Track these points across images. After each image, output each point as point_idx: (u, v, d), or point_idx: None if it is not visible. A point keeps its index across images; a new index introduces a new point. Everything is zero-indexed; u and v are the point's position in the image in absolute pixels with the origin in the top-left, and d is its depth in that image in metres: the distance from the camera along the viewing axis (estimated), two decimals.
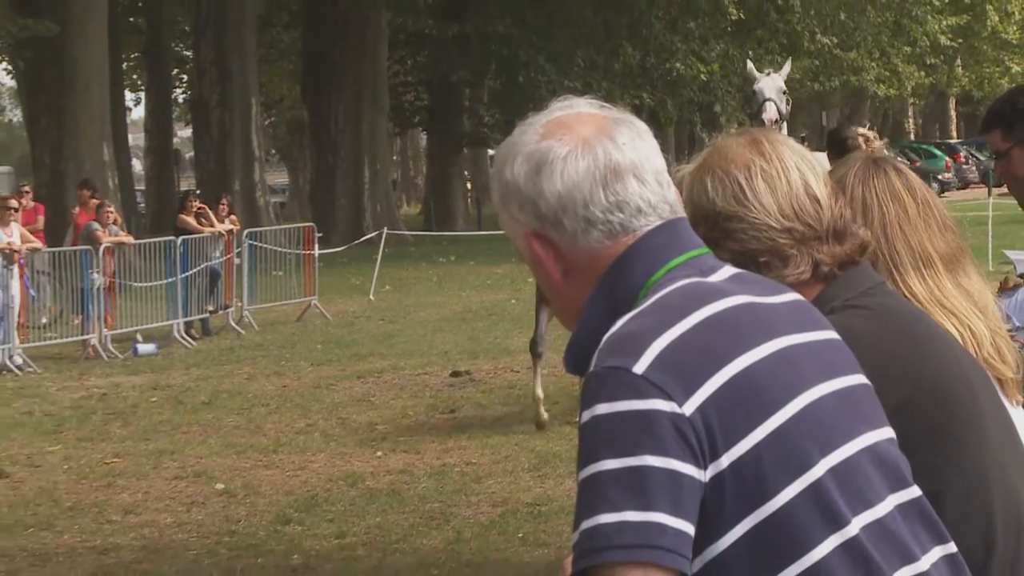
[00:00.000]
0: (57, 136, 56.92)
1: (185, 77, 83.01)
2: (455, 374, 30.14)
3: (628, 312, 3.98)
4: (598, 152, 4.09)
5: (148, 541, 18.57)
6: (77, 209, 42.42)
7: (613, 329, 3.94)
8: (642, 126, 4.25)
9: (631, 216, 4.08)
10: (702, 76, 73.00)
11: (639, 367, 3.77)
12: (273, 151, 79.66)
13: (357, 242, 57.94)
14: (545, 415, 24.51)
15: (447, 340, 31.29)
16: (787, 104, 22.67)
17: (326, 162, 74.61)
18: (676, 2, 67.58)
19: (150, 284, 38.92)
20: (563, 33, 69.10)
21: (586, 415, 3.82)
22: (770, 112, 21.60)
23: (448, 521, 18.52)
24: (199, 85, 75.27)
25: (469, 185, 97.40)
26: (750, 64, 23.20)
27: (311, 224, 54.42)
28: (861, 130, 17.93)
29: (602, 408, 3.78)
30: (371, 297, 47.92)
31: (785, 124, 23.15)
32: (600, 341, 3.94)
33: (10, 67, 69.94)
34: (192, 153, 77.30)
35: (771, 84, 22.42)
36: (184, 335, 41.36)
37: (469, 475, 21.22)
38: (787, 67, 23.42)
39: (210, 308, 42.73)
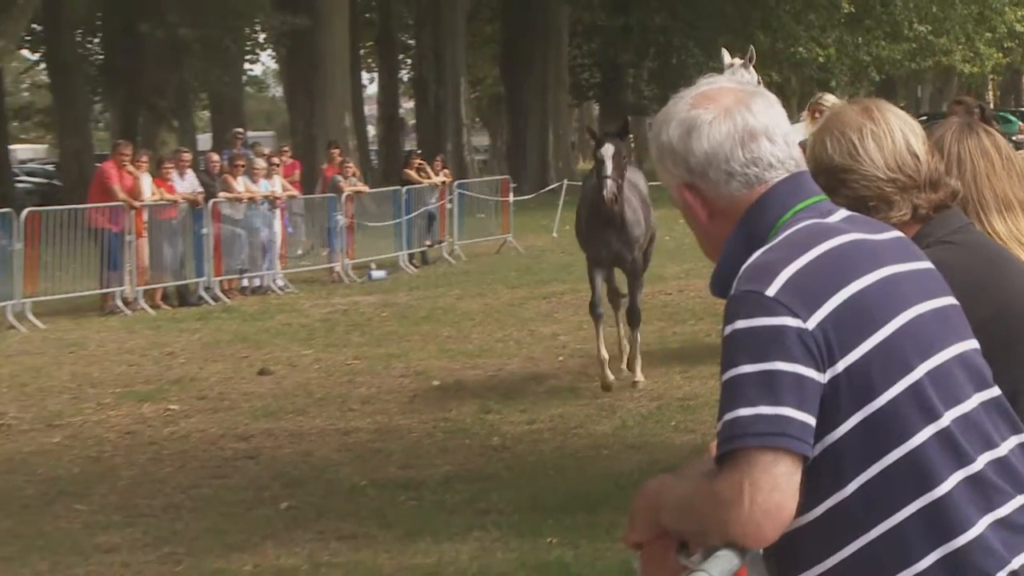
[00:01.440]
0: (309, 107, 57.02)
1: (409, 61, 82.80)
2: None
3: (761, 247, 4.18)
4: (737, 118, 4.28)
5: (380, 425, 18.75)
6: (325, 165, 42.45)
7: (750, 260, 4.14)
8: (772, 97, 4.46)
9: (764, 169, 4.28)
10: (820, 58, 72.55)
11: (771, 291, 3.98)
12: (477, 119, 79.25)
13: (543, 191, 58.12)
14: (611, 376, 20.83)
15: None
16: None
17: (519, 128, 74.73)
18: None
19: (381, 224, 38.83)
20: (708, 24, 68.78)
21: (728, 329, 4.04)
22: None
23: (615, 412, 18.61)
24: (420, 67, 75.33)
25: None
26: (724, 51, 20.79)
27: (507, 177, 54.41)
28: (968, 99, 17.96)
29: (741, 324, 3.99)
30: (554, 235, 47.47)
31: None
32: (739, 270, 4.14)
33: (274, 53, 69.68)
34: (414, 121, 76.95)
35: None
36: (408, 264, 41.63)
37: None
38: (751, 54, 20.58)
39: (428, 243, 42.88)
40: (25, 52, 60.56)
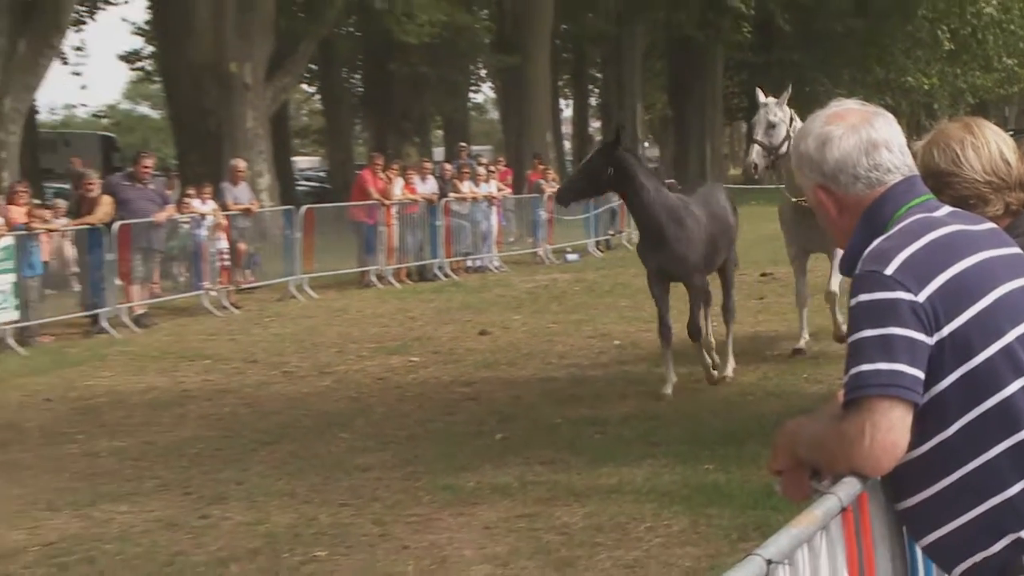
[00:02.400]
0: (519, 127, 56.87)
1: (597, 90, 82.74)
2: (764, 275, 29.94)
3: (881, 236, 4.31)
4: (861, 133, 4.43)
5: (573, 375, 18.77)
6: (530, 172, 42.52)
7: (871, 246, 4.28)
8: (890, 116, 4.58)
9: (883, 174, 4.42)
10: (925, 86, 72.10)
11: (888, 270, 4.13)
12: (650, 135, 79.06)
13: None
14: (667, 391, 17.06)
15: (758, 253, 30.76)
16: (790, 125, 18.29)
17: (683, 142, 74.44)
18: (908, 38, 66.48)
19: (574, 217, 38.63)
20: (834, 59, 68.48)
21: (853, 302, 4.18)
22: (749, 157, 18.60)
23: (759, 366, 18.50)
24: (605, 95, 75.39)
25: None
26: (759, 91, 19.54)
27: (673, 181, 54.36)
28: None
29: (864, 297, 4.14)
30: None
31: (787, 144, 17.80)
32: (863, 254, 4.29)
33: (492, 85, 69.75)
34: (600, 138, 77.03)
35: (763, 119, 18.48)
36: (595, 249, 41.73)
37: (772, 336, 21.46)
38: (786, 94, 19.23)
39: (611, 232, 42.88)
40: (304, 86, 60.85)
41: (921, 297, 4.13)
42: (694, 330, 17.59)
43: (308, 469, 14.20)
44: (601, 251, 42.58)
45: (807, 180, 4.61)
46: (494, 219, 37.71)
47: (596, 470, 13.32)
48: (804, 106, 54.02)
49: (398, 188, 33.38)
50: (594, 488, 12.56)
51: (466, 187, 36.76)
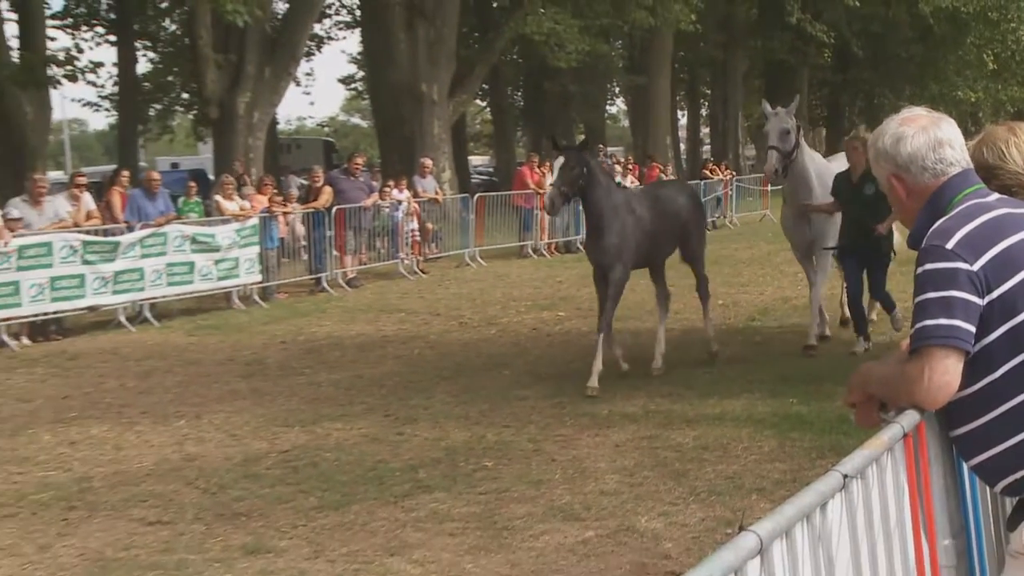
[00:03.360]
0: (644, 133, 56.55)
1: (706, 103, 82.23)
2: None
3: (942, 217, 4.29)
4: (930, 133, 4.43)
5: (684, 326, 18.67)
6: (655, 167, 42.09)
7: (935, 226, 4.26)
8: (951, 120, 4.55)
9: (946, 166, 4.40)
10: (972, 99, 70.96)
11: (949, 245, 4.13)
12: (748, 138, 78.43)
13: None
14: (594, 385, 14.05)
15: None
16: (797, 132, 16.17)
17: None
18: (958, 60, 65.45)
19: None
20: (898, 78, 67.46)
21: (920, 270, 4.18)
22: (771, 163, 15.92)
23: (847, 327, 18.11)
24: (713, 107, 74.65)
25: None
26: (765, 103, 17.10)
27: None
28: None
29: (929, 266, 4.15)
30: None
31: (800, 150, 16.25)
32: (927, 231, 4.28)
33: (624, 99, 69.18)
34: (709, 141, 76.23)
35: (776, 127, 15.92)
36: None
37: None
38: (795, 103, 16.94)
39: (716, 215, 41.94)
40: (478, 101, 60.80)
41: (976, 267, 4.13)
42: (603, 325, 14.85)
43: (478, 398, 14.25)
44: (708, 231, 40.85)
45: (882, 170, 4.57)
46: None
47: (704, 401, 13.26)
48: (872, 115, 53.04)
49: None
50: (702, 416, 12.50)
51: None
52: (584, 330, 18.49)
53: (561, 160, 14.63)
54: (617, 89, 68.58)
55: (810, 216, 16.47)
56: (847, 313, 17.05)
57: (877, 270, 15.66)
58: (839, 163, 16.99)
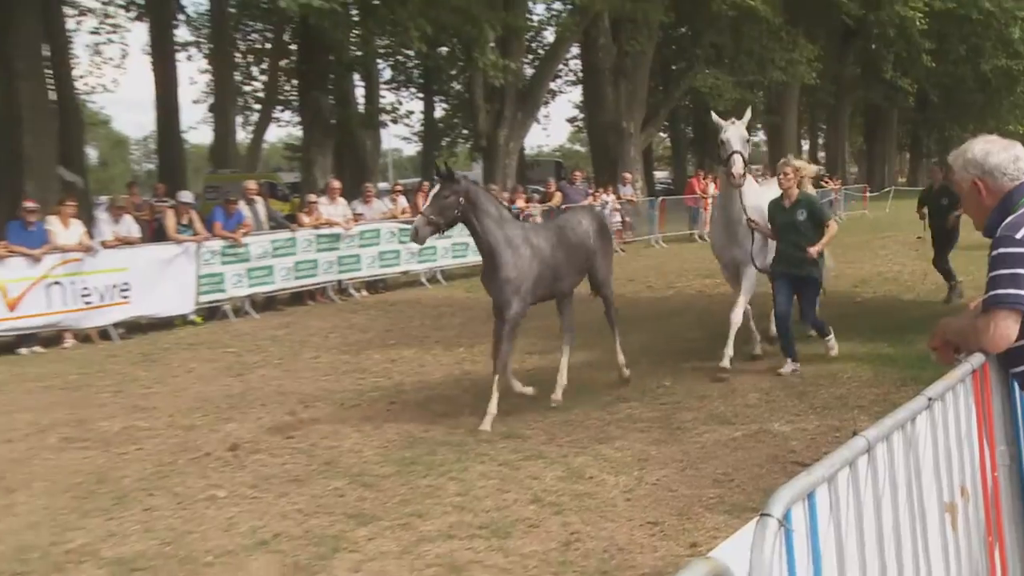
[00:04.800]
0: (778, 156, 55.26)
1: (822, 135, 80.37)
2: (918, 237, 28.46)
3: (1012, 215, 4.05)
4: (1010, 151, 4.21)
5: None
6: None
7: (1006, 220, 4.04)
8: (1019, 143, 4.31)
9: (1019, 174, 4.18)
10: (1020, 131, 67.59)
11: (1018, 236, 3.93)
12: (851, 160, 76.29)
13: (881, 191, 55.03)
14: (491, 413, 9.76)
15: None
16: (747, 148, 11.77)
17: (872, 162, 70.72)
18: (1011, 104, 62.75)
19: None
20: (964, 117, 64.84)
21: (994, 252, 3.98)
22: (737, 166, 11.17)
23: (915, 289, 17.38)
24: (826, 137, 72.42)
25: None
26: (714, 114, 12.43)
27: (866, 184, 52.65)
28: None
29: (1002, 250, 3.94)
30: (886, 210, 43.85)
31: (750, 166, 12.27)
32: (1000, 224, 4.05)
33: (764, 133, 67.29)
34: (824, 161, 74.33)
35: (736, 134, 11.43)
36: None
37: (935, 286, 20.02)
38: (748, 114, 12.14)
39: (836, 215, 40.70)
40: (661, 133, 59.95)
41: None
42: (499, 365, 9.98)
43: (659, 338, 14.06)
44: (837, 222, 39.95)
45: (968, 175, 4.32)
46: None
47: (820, 345, 12.73)
48: (944, 144, 51.24)
49: (711, 187, 32.93)
50: (818, 355, 12.06)
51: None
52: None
53: (435, 189, 9.70)
54: (759, 125, 67.03)
55: (739, 236, 11.82)
56: (774, 331, 12.40)
57: (808, 295, 11.51)
58: (771, 190, 12.39)
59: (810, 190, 11.73)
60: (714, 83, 41.50)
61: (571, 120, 74.14)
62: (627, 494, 7.49)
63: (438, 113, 49.25)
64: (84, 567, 6.52)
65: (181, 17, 39.92)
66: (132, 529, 7.17)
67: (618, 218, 29.71)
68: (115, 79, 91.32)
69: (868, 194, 47.95)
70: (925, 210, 16.73)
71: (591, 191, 29.94)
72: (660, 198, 34.40)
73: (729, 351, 11.57)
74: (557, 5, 38.26)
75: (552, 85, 53.27)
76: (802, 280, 11.35)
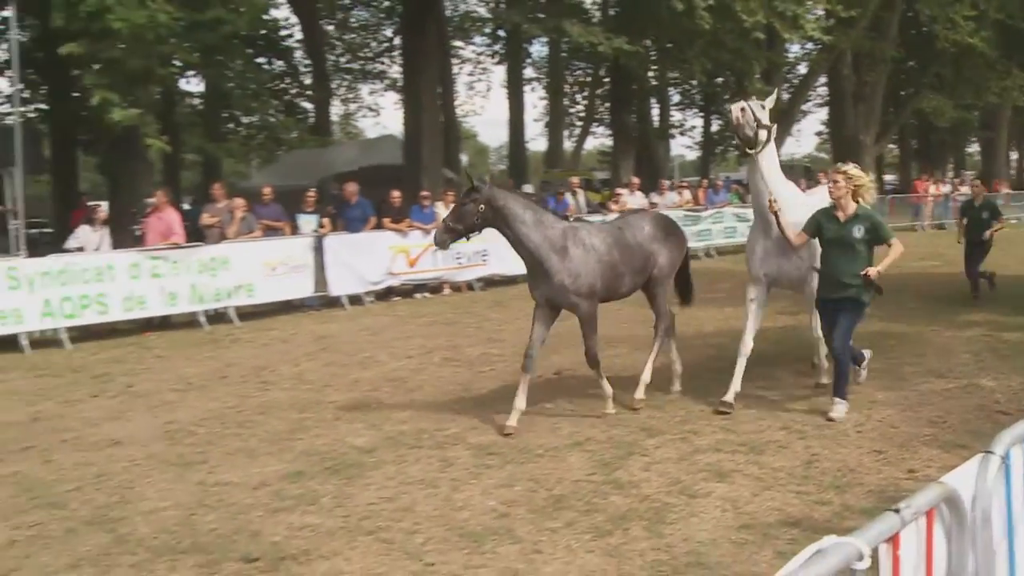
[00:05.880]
0: (991, 164, 50.04)
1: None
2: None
3: None
4: None
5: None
6: (997, 183, 37.06)
7: None
8: None
9: None
10: None
11: None
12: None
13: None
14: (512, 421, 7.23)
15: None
16: (765, 130, 7.36)
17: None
18: None
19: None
20: None
21: None
22: (734, 107, 7.29)
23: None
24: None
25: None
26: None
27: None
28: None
29: None
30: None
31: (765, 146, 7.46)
32: None
33: (978, 145, 60.59)
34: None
35: (753, 100, 7.47)
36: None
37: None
38: (773, 96, 7.68)
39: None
40: (890, 145, 55.26)
41: None
42: (591, 359, 7.45)
43: (885, 307, 12.81)
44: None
45: None
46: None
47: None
48: None
49: (932, 188, 30.25)
50: (1020, 324, 10.94)
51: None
52: (956, 271, 15.04)
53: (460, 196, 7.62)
54: (974, 139, 61.14)
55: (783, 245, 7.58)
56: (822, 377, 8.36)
57: (848, 317, 7.22)
58: (816, 198, 8.14)
59: (870, 202, 7.37)
60: (936, 105, 38.62)
61: (817, 133, 70.69)
62: (858, 428, 7.11)
63: (714, 128, 48.18)
64: (456, 448, 6.88)
65: (528, 60, 40.78)
66: (487, 427, 7.47)
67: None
68: (482, 105, 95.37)
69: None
70: (964, 221, 14.00)
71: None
72: (889, 196, 32.24)
73: (736, 386, 7.73)
74: (809, 45, 36.21)
75: (803, 107, 50.78)
76: (846, 301, 7.15)
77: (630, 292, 7.90)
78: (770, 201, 7.31)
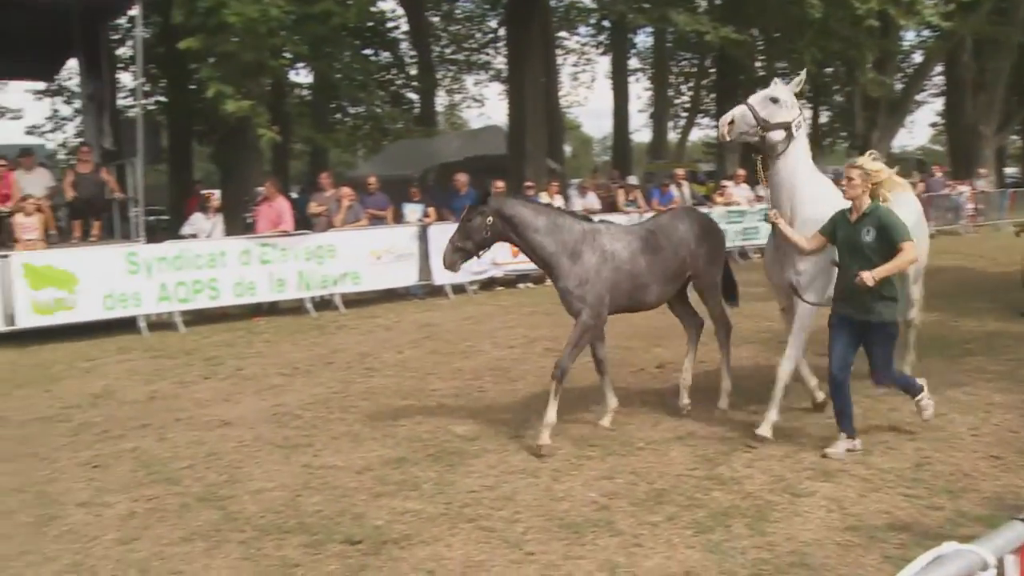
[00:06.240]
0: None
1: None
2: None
3: None
4: None
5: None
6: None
7: None
8: None
9: None
10: None
11: None
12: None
13: None
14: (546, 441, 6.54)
15: None
16: (778, 130, 6.38)
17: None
18: None
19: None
20: None
21: None
22: (723, 118, 6.36)
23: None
24: None
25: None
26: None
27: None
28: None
29: None
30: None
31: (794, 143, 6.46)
32: None
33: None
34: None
35: (758, 95, 6.52)
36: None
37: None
38: (800, 78, 6.91)
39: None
40: (1012, 136, 52.14)
41: None
42: (559, 370, 6.69)
43: (996, 305, 12.20)
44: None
45: None
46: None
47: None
48: None
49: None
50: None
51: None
52: None
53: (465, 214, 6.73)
54: None
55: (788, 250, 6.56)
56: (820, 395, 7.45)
57: (879, 344, 6.06)
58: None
59: (904, 196, 6.67)
60: None
61: (932, 124, 67.87)
62: (973, 431, 6.80)
63: (822, 119, 46.67)
64: (556, 439, 6.81)
65: (632, 50, 40.35)
66: (588, 418, 7.44)
67: (971, 205, 26.77)
68: (586, 96, 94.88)
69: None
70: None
71: (948, 183, 27.32)
72: (1010, 190, 30.68)
73: (772, 415, 6.73)
74: (926, 32, 34.70)
75: (917, 97, 48.86)
76: (872, 330, 6.03)
77: (659, 302, 7.10)
78: (768, 212, 6.48)
